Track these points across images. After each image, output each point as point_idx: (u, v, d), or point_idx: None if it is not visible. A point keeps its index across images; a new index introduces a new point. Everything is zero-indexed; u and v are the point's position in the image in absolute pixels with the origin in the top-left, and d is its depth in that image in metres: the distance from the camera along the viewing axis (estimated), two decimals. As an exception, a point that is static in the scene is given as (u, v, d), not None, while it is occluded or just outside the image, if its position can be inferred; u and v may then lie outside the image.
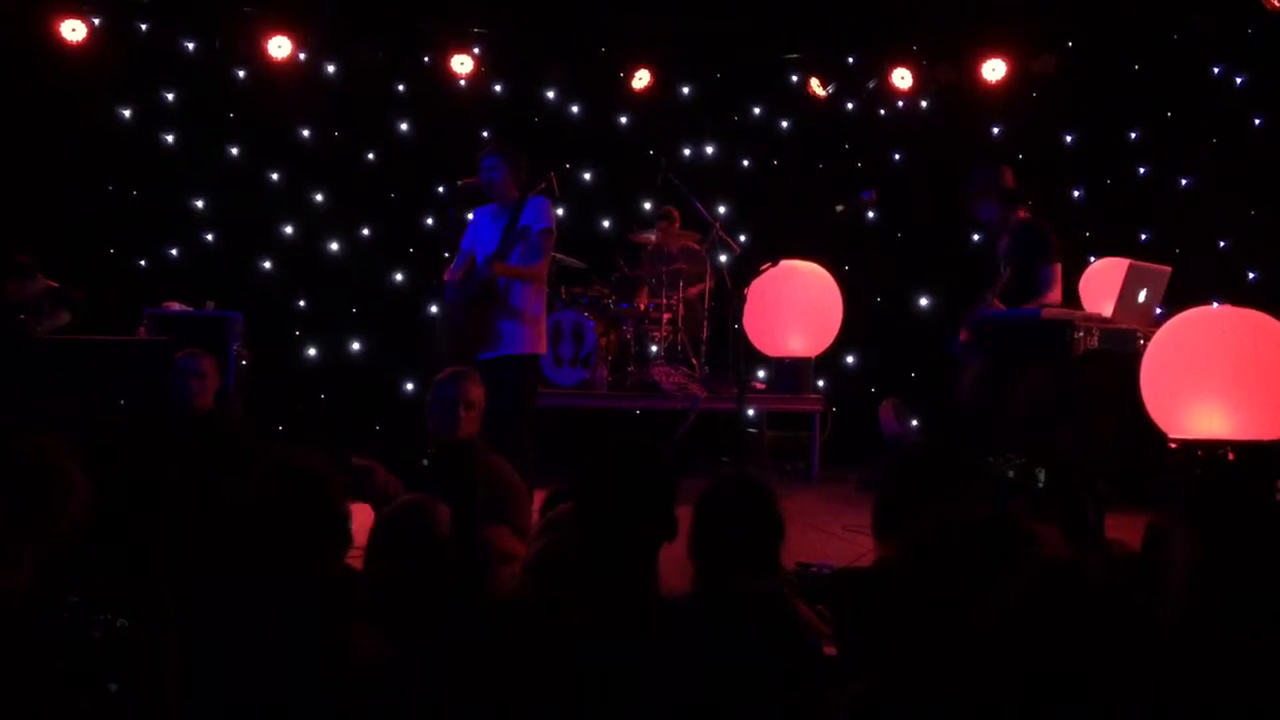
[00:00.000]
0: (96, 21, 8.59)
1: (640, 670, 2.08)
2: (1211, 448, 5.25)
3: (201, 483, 3.08)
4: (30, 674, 1.56)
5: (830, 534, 5.68)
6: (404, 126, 9.57)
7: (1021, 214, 6.12)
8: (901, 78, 9.28)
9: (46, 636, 1.52)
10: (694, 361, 8.47)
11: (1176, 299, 6.25)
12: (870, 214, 9.60)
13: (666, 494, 2.64)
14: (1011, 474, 7.41)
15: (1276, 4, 6.86)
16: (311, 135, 9.43)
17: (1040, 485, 7.17)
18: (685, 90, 9.73)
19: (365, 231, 9.59)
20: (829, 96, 9.41)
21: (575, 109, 9.75)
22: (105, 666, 1.52)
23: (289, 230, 9.44)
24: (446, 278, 5.65)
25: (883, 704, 1.98)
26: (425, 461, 3.46)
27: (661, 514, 2.61)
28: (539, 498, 3.87)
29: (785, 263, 6.92)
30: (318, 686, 2.22)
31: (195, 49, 9.00)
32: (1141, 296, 5.98)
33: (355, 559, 2.78)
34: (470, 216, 5.97)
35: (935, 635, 2.12)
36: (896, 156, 9.72)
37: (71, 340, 6.64)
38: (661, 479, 2.65)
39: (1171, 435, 5.46)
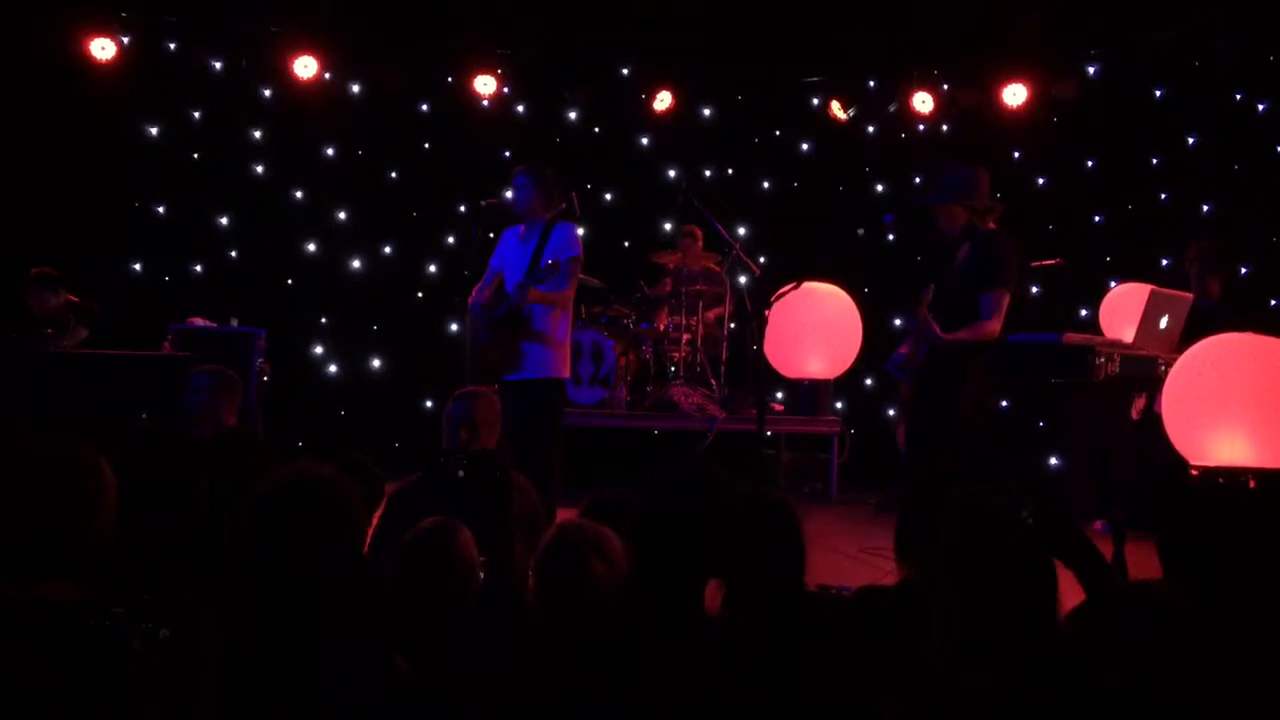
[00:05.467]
0: (126, 40, 8.69)
1: (685, 689, 2.09)
2: (1234, 475, 5.23)
3: (223, 496, 3.09)
4: (69, 685, 1.57)
5: (849, 556, 5.66)
6: (426, 146, 9.63)
7: (990, 224, 5.28)
8: (922, 101, 9.31)
9: (88, 647, 1.53)
10: (713, 382, 8.48)
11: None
12: (890, 237, 9.62)
13: (727, 534, 2.62)
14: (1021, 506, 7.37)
15: None
16: (335, 154, 9.51)
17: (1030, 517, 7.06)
18: (706, 112, 9.77)
19: (387, 250, 9.66)
20: (850, 120, 9.45)
21: (597, 130, 9.81)
22: (145, 677, 1.53)
23: (312, 247, 9.51)
24: (472, 300, 5.67)
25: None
26: (461, 473, 3.47)
27: (721, 552, 2.60)
28: (563, 516, 3.88)
29: (806, 285, 6.91)
30: (345, 703, 2.22)
31: (222, 68, 9.10)
32: (1163, 323, 5.95)
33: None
34: (491, 236, 6.00)
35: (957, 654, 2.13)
36: (917, 180, 9.73)
37: (91, 354, 6.67)
38: (726, 522, 2.63)
39: (1194, 462, 5.44)
